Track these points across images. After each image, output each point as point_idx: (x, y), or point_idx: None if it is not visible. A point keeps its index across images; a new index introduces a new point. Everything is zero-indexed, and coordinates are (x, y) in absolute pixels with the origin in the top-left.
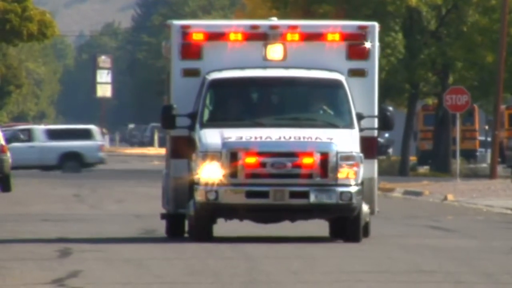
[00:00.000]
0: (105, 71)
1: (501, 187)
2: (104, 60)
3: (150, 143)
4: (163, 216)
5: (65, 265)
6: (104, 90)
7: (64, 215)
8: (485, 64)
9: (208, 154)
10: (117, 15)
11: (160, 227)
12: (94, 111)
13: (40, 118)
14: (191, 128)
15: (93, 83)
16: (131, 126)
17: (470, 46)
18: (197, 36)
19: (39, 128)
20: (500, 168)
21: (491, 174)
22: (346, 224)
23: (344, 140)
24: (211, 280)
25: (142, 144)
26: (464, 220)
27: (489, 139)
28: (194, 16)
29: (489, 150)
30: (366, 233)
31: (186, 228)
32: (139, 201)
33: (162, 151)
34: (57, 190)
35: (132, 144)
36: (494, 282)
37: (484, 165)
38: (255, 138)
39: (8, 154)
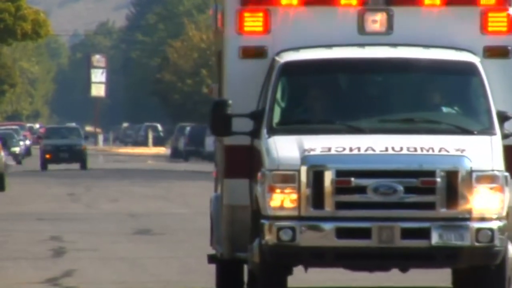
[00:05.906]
0: (100, 71)
1: None
2: (98, 59)
3: (144, 143)
4: (211, 260)
5: (59, 264)
6: (99, 89)
7: (59, 214)
8: None
9: (281, 173)
10: (111, 14)
11: (155, 227)
12: (89, 110)
13: (35, 117)
14: (255, 134)
15: (87, 83)
16: (125, 125)
17: None
18: None
19: None
20: None
21: None
22: (483, 274)
23: (481, 153)
24: (205, 279)
25: (136, 143)
26: None
27: None
28: (189, 15)
29: None
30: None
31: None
32: (134, 200)
33: (156, 150)
34: (51, 189)
35: (126, 144)
36: None
37: None
38: (350, 150)
39: (2, 153)
